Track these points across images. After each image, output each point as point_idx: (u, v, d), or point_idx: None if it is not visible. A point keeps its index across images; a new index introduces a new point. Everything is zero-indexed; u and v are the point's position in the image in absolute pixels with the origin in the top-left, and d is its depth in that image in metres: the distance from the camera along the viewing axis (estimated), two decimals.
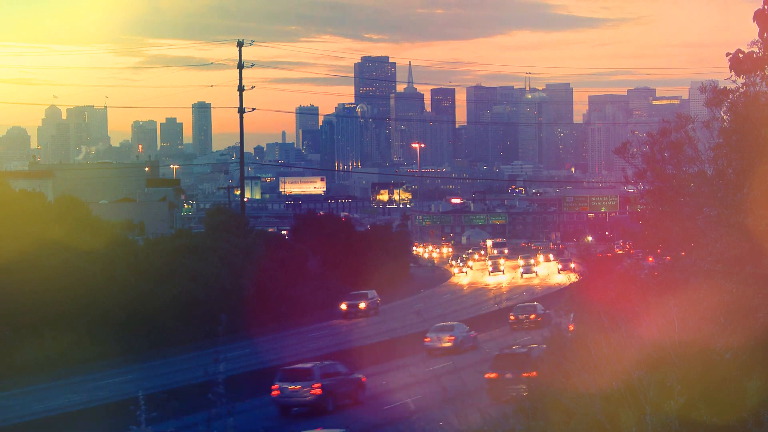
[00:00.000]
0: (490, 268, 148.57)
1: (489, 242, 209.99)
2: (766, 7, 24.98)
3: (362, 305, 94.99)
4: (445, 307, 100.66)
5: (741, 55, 25.01)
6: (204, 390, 14.49)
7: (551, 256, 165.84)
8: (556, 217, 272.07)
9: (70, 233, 76.22)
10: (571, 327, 31.52)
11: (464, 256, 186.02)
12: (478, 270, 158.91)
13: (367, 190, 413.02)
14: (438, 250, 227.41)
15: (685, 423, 18.61)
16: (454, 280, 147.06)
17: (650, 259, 31.92)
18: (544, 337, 32.01)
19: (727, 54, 25.20)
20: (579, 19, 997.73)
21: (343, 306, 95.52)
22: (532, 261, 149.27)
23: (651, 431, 18.47)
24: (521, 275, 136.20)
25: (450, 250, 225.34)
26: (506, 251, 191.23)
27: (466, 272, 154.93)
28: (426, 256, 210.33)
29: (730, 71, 25.23)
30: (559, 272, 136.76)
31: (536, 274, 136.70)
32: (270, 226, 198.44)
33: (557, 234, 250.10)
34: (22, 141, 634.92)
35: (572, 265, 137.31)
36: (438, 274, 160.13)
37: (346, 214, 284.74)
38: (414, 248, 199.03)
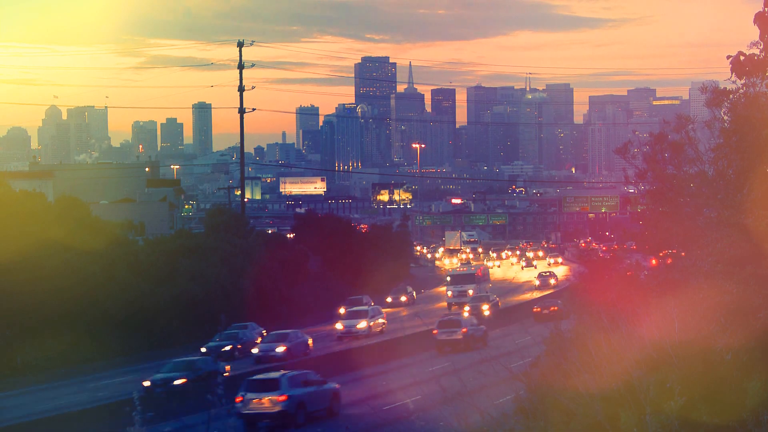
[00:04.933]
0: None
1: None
2: (766, 9, 24.94)
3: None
4: None
5: (742, 58, 24.96)
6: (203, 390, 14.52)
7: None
8: (557, 218, 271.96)
9: (70, 233, 76.27)
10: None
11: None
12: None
13: (368, 191, 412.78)
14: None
15: (685, 423, 18.61)
16: None
17: (654, 261, 31.94)
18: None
19: (728, 56, 25.15)
20: (580, 19, 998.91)
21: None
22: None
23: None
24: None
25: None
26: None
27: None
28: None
29: (731, 73, 25.18)
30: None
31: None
32: (270, 226, 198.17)
33: (557, 234, 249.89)
34: (23, 141, 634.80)
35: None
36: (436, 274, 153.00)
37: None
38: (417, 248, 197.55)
